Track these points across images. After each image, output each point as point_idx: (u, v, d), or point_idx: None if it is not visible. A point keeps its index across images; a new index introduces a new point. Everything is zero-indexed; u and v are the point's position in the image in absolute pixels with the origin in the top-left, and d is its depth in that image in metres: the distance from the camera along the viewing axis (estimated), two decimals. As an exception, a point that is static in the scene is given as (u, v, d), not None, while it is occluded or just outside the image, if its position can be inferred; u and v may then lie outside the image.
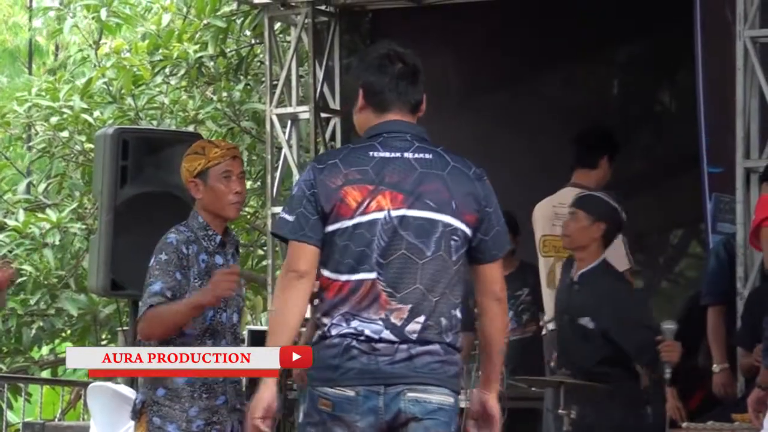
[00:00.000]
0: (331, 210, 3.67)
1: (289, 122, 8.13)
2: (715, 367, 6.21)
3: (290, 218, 3.69)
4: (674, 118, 7.98)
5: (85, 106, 9.37)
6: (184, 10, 9.69)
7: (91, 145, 8.26)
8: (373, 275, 3.63)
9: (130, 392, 6.17)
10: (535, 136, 7.87)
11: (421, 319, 3.64)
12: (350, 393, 3.61)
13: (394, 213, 3.65)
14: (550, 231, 6.22)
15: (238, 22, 9.34)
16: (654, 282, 6.95)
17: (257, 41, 9.26)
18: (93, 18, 9.79)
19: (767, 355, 5.04)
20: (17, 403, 9.38)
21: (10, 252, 9.33)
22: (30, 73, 12.17)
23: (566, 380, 5.32)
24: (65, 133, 9.47)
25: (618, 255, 5.96)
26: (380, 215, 3.65)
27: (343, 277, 3.65)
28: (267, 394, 3.64)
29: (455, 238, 3.68)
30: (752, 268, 6.25)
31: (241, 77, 9.38)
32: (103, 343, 9.85)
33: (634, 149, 7.96)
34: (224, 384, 4.39)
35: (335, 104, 8.26)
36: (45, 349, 10.42)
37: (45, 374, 10.06)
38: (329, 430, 3.63)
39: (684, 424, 5.69)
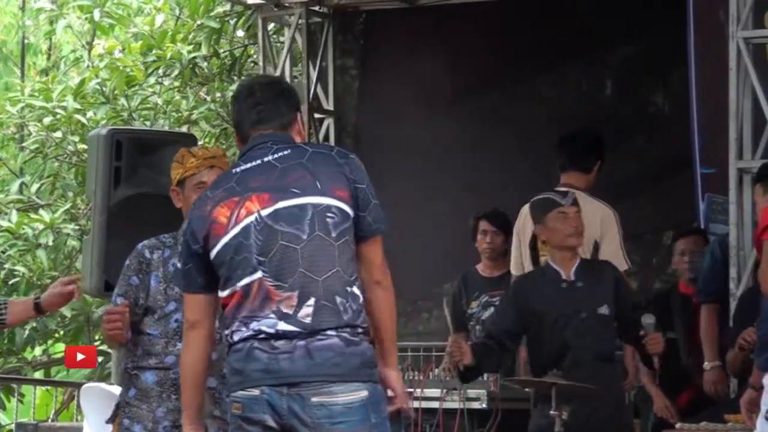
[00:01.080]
0: (206, 236, 3.72)
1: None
2: (707, 365, 6.23)
3: (180, 268, 3.85)
4: (667, 119, 7.99)
5: (78, 106, 9.37)
6: (177, 10, 9.69)
7: (85, 146, 8.27)
8: (258, 275, 3.64)
9: (123, 393, 6.16)
10: (528, 137, 7.88)
11: (312, 301, 3.61)
12: (255, 392, 3.62)
13: (264, 212, 3.67)
14: None
15: (232, 22, 9.35)
16: (648, 283, 6.96)
17: (250, 42, 9.27)
18: (86, 19, 9.78)
19: (759, 356, 5.05)
20: (10, 403, 9.37)
21: (3, 252, 9.33)
22: (22, 74, 12.16)
23: (558, 381, 5.33)
24: (58, 134, 9.47)
25: (616, 256, 5.98)
26: (251, 219, 3.68)
27: (236, 288, 3.68)
28: None
29: (330, 215, 3.67)
30: (745, 269, 6.26)
31: (235, 78, 9.38)
32: (96, 343, 9.84)
33: (627, 150, 7.96)
34: None
35: (329, 105, 8.27)
36: (38, 350, 10.41)
37: (38, 375, 10.06)
38: (244, 431, 3.65)
39: (678, 425, 5.70)
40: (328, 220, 3.66)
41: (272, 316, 3.62)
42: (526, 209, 6.35)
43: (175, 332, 4.36)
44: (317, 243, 3.64)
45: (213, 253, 3.72)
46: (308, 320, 3.61)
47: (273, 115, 3.80)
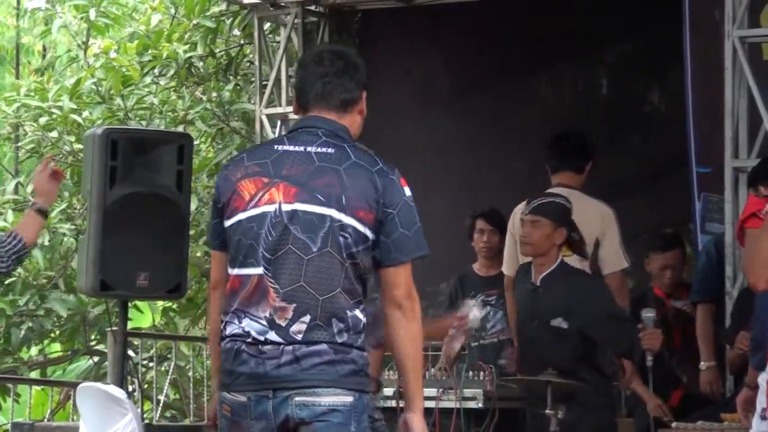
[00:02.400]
0: (227, 203, 3.63)
1: (278, 122, 8.13)
2: (702, 365, 6.23)
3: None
4: (663, 118, 7.99)
5: (74, 106, 9.35)
6: (173, 10, 9.68)
7: (80, 146, 8.25)
8: (259, 270, 3.55)
9: (119, 392, 6.15)
10: (524, 136, 7.88)
11: (307, 318, 3.53)
12: (242, 398, 3.58)
13: (285, 207, 3.56)
14: None
15: (228, 22, 9.33)
16: (643, 282, 6.95)
17: (247, 41, 9.26)
18: (82, 18, 9.77)
19: (754, 355, 5.05)
20: (6, 403, 9.36)
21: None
22: (17, 74, 12.14)
23: (554, 380, 5.33)
24: (54, 134, 9.45)
25: (617, 255, 5.99)
26: (271, 208, 3.57)
27: (234, 271, 3.61)
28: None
29: (344, 234, 3.53)
30: (741, 268, 6.26)
31: (231, 77, 9.37)
32: (92, 343, 9.83)
33: (623, 149, 7.97)
34: None
35: (325, 104, 8.25)
36: (34, 350, 10.39)
37: (34, 375, 10.04)
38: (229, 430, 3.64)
39: (674, 424, 5.70)
40: (341, 239, 3.54)
41: (264, 323, 3.56)
42: (518, 209, 6.36)
43: None
44: (326, 260, 3.54)
45: (227, 222, 3.63)
46: (299, 336, 3.55)
47: (337, 90, 3.66)
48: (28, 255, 4.59)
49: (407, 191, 3.62)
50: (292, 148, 3.62)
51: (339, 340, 3.55)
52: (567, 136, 6.44)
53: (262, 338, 3.56)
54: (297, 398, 3.54)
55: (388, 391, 6.16)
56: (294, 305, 3.53)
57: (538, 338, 5.55)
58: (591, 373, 5.54)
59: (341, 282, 3.55)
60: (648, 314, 5.49)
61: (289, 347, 3.54)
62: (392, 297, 3.58)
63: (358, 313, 3.58)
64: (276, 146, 3.65)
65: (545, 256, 5.61)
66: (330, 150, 3.61)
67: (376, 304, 4.21)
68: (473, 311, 4.53)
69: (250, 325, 3.58)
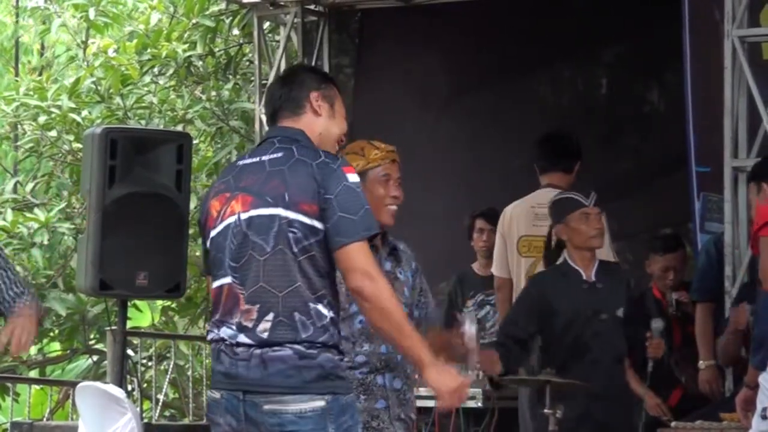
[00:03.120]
0: (204, 225, 3.80)
1: (277, 122, 8.12)
2: (702, 364, 6.23)
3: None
4: (663, 117, 7.99)
5: (73, 105, 9.35)
6: (172, 9, 9.67)
7: (80, 145, 8.25)
8: (228, 279, 3.68)
9: (119, 392, 6.15)
10: (522, 136, 7.87)
11: (270, 316, 3.61)
12: (217, 395, 3.69)
13: (243, 215, 3.69)
14: (531, 231, 6.24)
15: (227, 21, 9.33)
16: (642, 282, 6.95)
17: (246, 41, 9.26)
18: (81, 17, 9.77)
19: (755, 355, 5.05)
20: (5, 402, 9.36)
21: (-2, 251, 9.28)
22: (16, 73, 12.14)
23: (552, 379, 5.33)
24: (53, 133, 9.45)
25: (607, 254, 5.99)
26: (232, 220, 3.71)
27: (212, 285, 3.76)
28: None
29: (293, 230, 3.62)
30: (740, 267, 6.26)
31: (230, 76, 9.37)
32: (91, 343, 9.83)
33: (622, 149, 7.97)
34: (384, 389, 4.31)
35: (324, 103, 8.25)
36: (33, 349, 10.39)
37: (33, 374, 10.04)
38: (212, 430, 3.74)
39: (673, 424, 5.71)
40: (290, 234, 3.63)
41: (234, 328, 3.66)
42: (510, 210, 6.37)
43: (360, 332, 4.28)
44: (279, 257, 3.62)
45: (207, 244, 3.79)
46: (265, 335, 3.62)
47: (285, 100, 3.82)
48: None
49: (351, 177, 3.67)
50: (250, 160, 3.78)
51: (304, 336, 3.60)
52: (555, 136, 6.45)
53: (234, 341, 3.66)
54: (266, 406, 3.61)
55: (426, 391, 6.16)
56: (257, 305, 3.63)
57: (607, 331, 5.57)
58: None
59: (297, 277, 3.62)
60: (657, 324, 5.56)
61: (258, 350, 3.63)
62: (349, 282, 3.63)
63: (321, 307, 3.64)
64: (239, 162, 3.82)
65: (593, 251, 5.69)
66: (279, 154, 3.73)
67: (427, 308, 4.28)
68: (469, 328, 4.50)
69: (224, 332, 3.69)
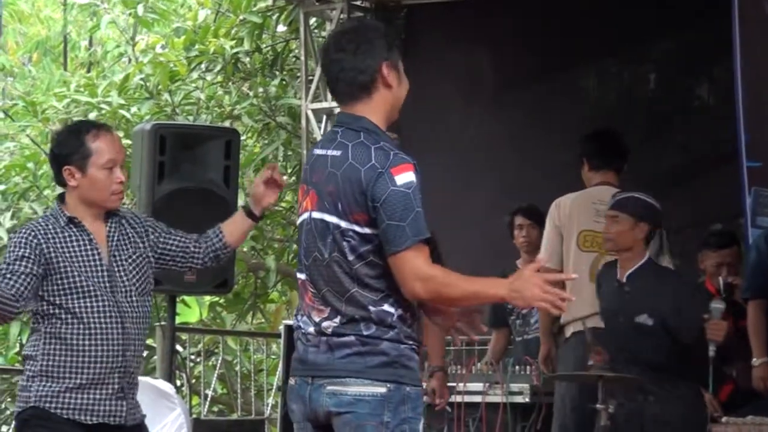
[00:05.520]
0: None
1: (324, 117, 8.14)
2: (755, 361, 6.17)
3: None
4: (712, 112, 7.94)
5: (122, 102, 9.41)
6: (219, 5, 9.71)
7: (129, 141, 8.31)
8: (303, 276, 3.70)
9: (168, 387, 6.19)
10: (568, 131, 7.84)
11: (337, 320, 3.62)
12: (292, 381, 3.71)
13: (313, 215, 3.66)
14: (592, 226, 6.20)
15: (274, 17, 9.36)
16: (692, 277, 6.90)
17: (292, 37, 9.28)
18: (130, 14, 9.83)
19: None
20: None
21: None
22: (65, 69, 12.22)
23: (605, 374, 5.30)
24: (102, 129, 9.50)
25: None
26: (305, 216, 3.69)
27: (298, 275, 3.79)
28: None
29: (347, 239, 3.59)
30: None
31: (277, 73, 9.40)
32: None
33: (671, 144, 7.92)
34: None
35: (370, 99, 8.25)
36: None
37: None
38: (290, 417, 3.76)
39: (724, 419, 5.67)
40: (345, 243, 3.59)
41: (306, 319, 3.70)
42: (569, 203, 6.32)
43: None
44: (335, 266, 3.61)
45: None
46: (329, 331, 3.64)
47: (345, 77, 3.61)
48: (228, 255, 4.56)
49: (398, 179, 3.56)
50: (320, 152, 3.70)
51: (365, 333, 3.61)
52: (609, 134, 6.41)
53: (306, 330, 3.69)
54: (329, 387, 3.62)
55: (473, 385, 6.17)
56: (325, 308, 3.65)
57: (624, 335, 5.53)
58: (683, 368, 5.54)
59: (354, 285, 3.61)
60: (716, 305, 5.47)
61: (325, 337, 3.65)
62: (404, 292, 3.59)
63: (386, 307, 3.61)
64: (314, 150, 3.74)
65: (630, 252, 5.58)
66: (337, 153, 3.64)
67: None
68: None
69: (302, 320, 3.72)
